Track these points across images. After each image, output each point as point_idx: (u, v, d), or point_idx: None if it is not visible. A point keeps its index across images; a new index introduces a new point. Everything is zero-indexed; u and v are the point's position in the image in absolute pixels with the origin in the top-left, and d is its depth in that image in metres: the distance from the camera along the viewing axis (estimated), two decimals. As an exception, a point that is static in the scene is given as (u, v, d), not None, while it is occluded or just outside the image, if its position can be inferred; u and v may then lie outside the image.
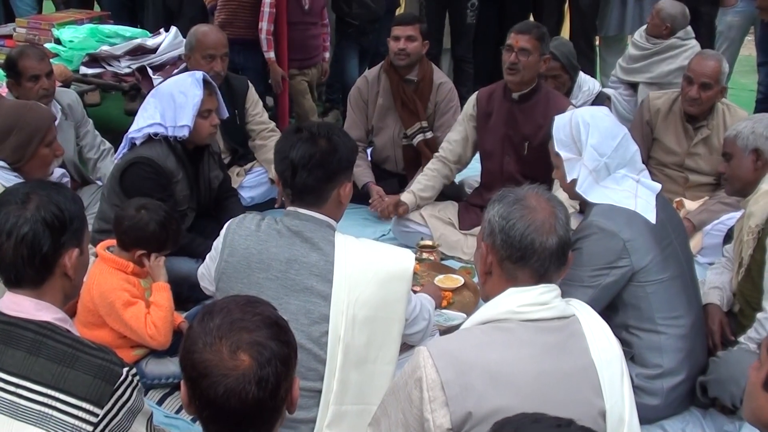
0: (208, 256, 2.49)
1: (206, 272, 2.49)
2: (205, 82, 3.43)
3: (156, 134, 3.39)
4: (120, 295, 2.78)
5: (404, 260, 2.35)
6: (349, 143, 2.40)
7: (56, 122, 3.53)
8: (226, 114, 3.65)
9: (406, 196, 4.27)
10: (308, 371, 2.25)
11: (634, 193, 2.74)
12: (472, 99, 4.25)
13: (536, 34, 3.93)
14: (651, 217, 2.72)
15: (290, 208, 2.38)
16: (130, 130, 3.45)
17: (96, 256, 2.89)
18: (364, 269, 2.28)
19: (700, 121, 4.20)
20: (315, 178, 2.31)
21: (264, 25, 5.27)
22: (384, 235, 4.39)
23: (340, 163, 2.34)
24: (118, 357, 1.82)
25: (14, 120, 3.06)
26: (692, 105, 4.12)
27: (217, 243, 2.40)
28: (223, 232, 2.39)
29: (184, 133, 3.37)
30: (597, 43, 6.70)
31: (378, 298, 2.28)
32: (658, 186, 2.84)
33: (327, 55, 5.73)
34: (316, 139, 2.32)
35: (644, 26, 5.40)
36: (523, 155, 4.09)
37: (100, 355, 1.79)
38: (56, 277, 1.87)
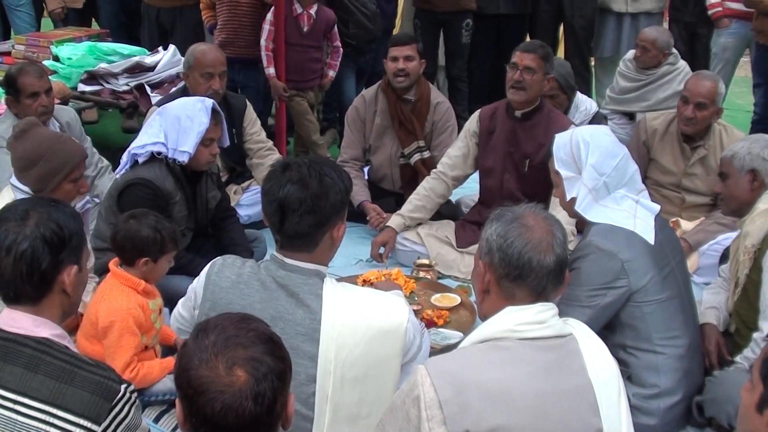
0: (181, 304, 2.39)
1: (182, 321, 2.41)
2: (214, 111, 3.44)
3: (159, 153, 3.40)
4: (125, 319, 2.75)
5: (397, 314, 2.20)
6: (342, 182, 2.22)
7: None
8: (227, 143, 3.66)
9: (394, 220, 4.26)
10: (295, 429, 2.18)
11: (633, 214, 2.75)
12: (475, 116, 4.28)
13: (541, 53, 3.97)
14: (650, 237, 2.73)
15: (276, 254, 2.24)
16: (134, 145, 3.45)
17: (100, 273, 2.88)
18: (353, 327, 2.14)
19: (696, 141, 4.22)
20: (306, 224, 2.16)
21: (264, 42, 5.32)
22: (380, 253, 4.39)
23: (333, 208, 2.18)
24: (116, 374, 1.83)
25: (44, 150, 3.02)
26: (688, 124, 4.15)
27: (197, 290, 2.28)
28: (202, 280, 2.26)
29: (184, 158, 3.38)
30: (592, 63, 6.76)
31: (369, 357, 2.15)
32: (657, 207, 2.85)
33: (332, 73, 5.71)
34: (306, 181, 2.15)
35: (629, 57, 5.43)
36: (524, 173, 4.12)
37: (98, 371, 1.80)
38: (55, 293, 1.88)
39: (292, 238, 2.19)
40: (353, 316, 2.17)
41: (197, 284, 2.30)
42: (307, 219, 2.16)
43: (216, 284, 2.23)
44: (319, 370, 2.13)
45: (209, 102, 3.45)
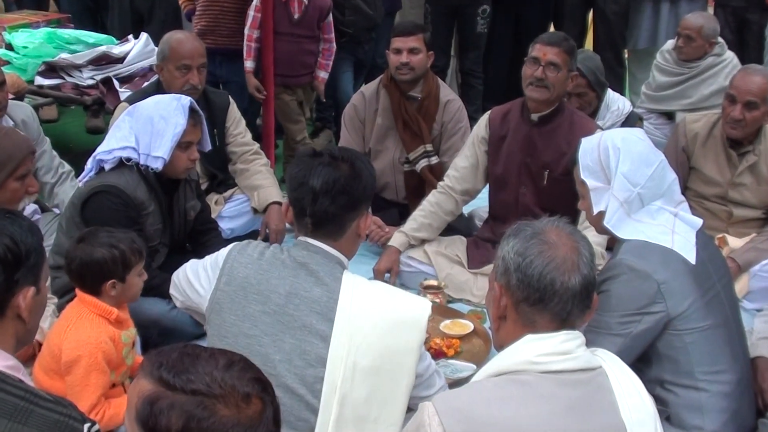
0: (194, 272, 2.54)
1: (189, 290, 2.54)
2: (192, 110, 3.45)
3: (129, 159, 3.41)
4: (93, 354, 2.75)
5: (418, 307, 2.41)
6: (371, 170, 2.53)
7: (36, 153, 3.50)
8: (208, 146, 3.68)
9: (396, 238, 4.27)
10: (298, 421, 2.27)
11: (671, 229, 2.75)
12: (484, 119, 4.26)
13: (566, 47, 3.95)
14: (690, 256, 2.72)
15: (301, 238, 2.47)
16: (99, 149, 3.46)
17: (60, 294, 2.88)
18: (370, 312, 2.33)
19: (745, 146, 4.21)
20: (338, 205, 2.41)
21: (247, 30, 5.34)
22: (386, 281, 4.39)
23: (365, 191, 2.46)
24: (78, 411, 1.82)
25: None
26: (735, 127, 4.13)
27: (213, 266, 2.47)
28: (222, 257, 2.47)
29: (158, 165, 3.40)
30: (626, 56, 6.78)
31: (383, 345, 2.31)
32: (698, 221, 2.85)
33: (323, 74, 5.71)
34: (338, 163, 2.43)
35: (667, 48, 5.44)
36: (542, 186, 4.10)
37: (57, 408, 1.79)
38: (8, 319, 1.88)
39: (323, 221, 2.42)
40: (372, 301, 2.36)
41: (210, 261, 2.49)
42: (340, 199, 2.41)
43: (236, 260, 2.44)
44: (331, 352, 2.28)
45: (186, 100, 3.46)
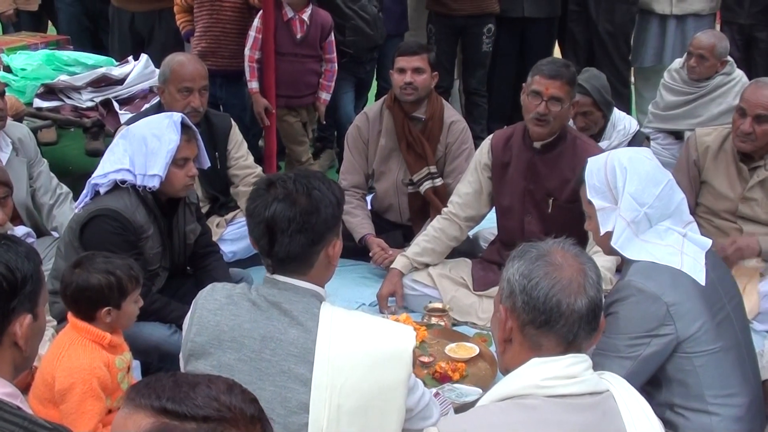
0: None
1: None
2: (184, 125, 3.46)
3: (124, 181, 3.41)
4: (87, 380, 2.74)
5: (402, 338, 2.29)
6: (333, 194, 2.37)
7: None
8: (207, 163, 3.68)
9: (399, 261, 4.28)
10: None
11: (680, 249, 2.75)
12: (486, 145, 4.26)
13: (568, 77, 3.92)
14: (700, 277, 2.72)
15: (268, 275, 2.36)
16: (95, 174, 3.47)
17: (60, 319, 2.87)
18: (351, 350, 2.23)
19: (756, 160, 4.18)
20: (298, 244, 2.29)
21: (248, 52, 5.37)
22: (390, 305, 4.37)
23: (326, 223, 2.32)
24: (77, 438, 1.83)
25: None
26: (745, 141, 4.11)
27: (186, 318, 2.39)
28: (192, 307, 2.37)
29: (155, 183, 3.40)
30: (631, 75, 6.79)
31: (369, 384, 2.22)
32: (708, 241, 2.85)
33: (325, 96, 5.70)
34: (293, 197, 2.29)
35: (675, 67, 5.45)
36: (547, 214, 4.11)
37: (56, 436, 1.80)
38: (5, 347, 1.88)
39: (284, 261, 2.31)
40: (352, 338, 2.25)
41: (188, 314, 2.39)
42: (298, 238, 2.28)
43: (203, 307, 2.34)
44: (313, 396, 2.19)
45: (178, 116, 3.47)
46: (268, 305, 2.30)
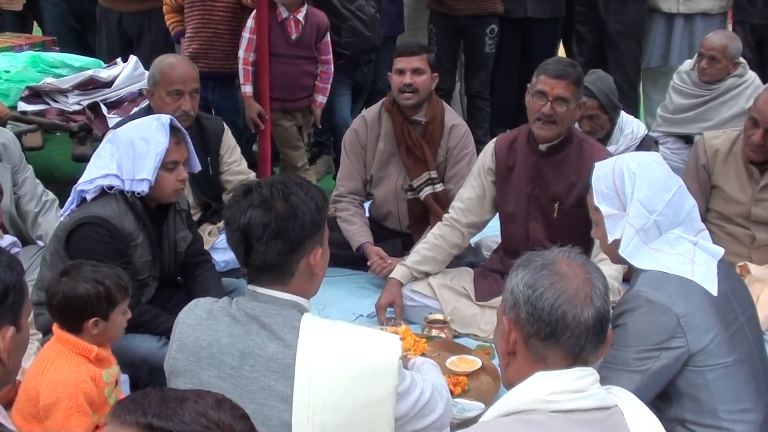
0: None
1: None
2: (173, 128, 3.46)
3: (111, 187, 3.41)
4: (73, 395, 2.72)
5: (386, 349, 2.27)
6: (313, 199, 2.35)
7: None
8: (198, 167, 3.68)
9: (398, 270, 4.27)
10: None
11: (691, 258, 2.75)
12: (489, 149, 4.27)
13: (574, 77, 3.91)
14: (712, 287, 2.72)
15: (249, 287, 2.36)
16: (80, 180, 3.47)
17: (45, 331, 2.86)
18: (332, 364, 2.22)
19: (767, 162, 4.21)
20: (274, 252, 2.28)
21: (242, 54, 5.37)
22: (389, 317, 4.37)
23: (303, 229, 2.30)
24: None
25: None
26: (756, 151, 4.13)
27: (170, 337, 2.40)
28: (175, 322, 2.39)
29: (143, 188, 3.39)
30: (640, 78, 6.79)
31: (353, 399, 2.21)
32: (720, 250, 2.85)
33: (321, 99, 5.69)
34: (269, 203, 2.28)
35: (685, 69, 5.46)
36: (552, 219, 4.11)
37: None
38: (-15, 361, 1.87)
39: (261, 270, 2.31)
40: (334, 351, 2.24)
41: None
42: (274, 245, 2.27)
43: (184, 323, 2.35)
44: (294, 414, 2.18)
45: (166, 118, 3.47)
46: (247, 319, 2.29)
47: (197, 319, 2.33)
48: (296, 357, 2.22)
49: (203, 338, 2.29)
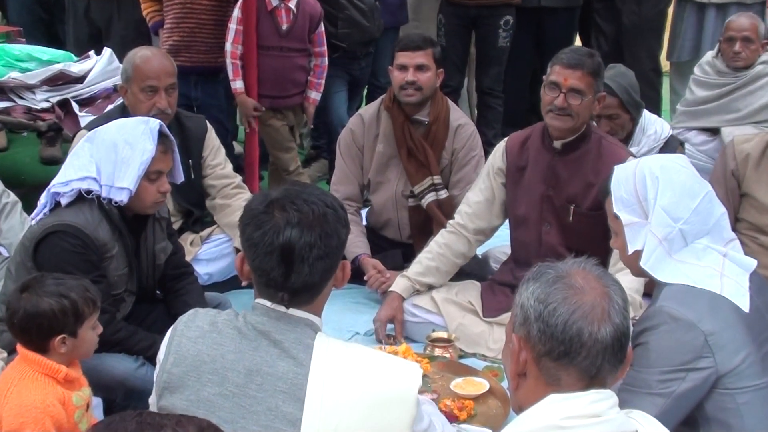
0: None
1: None
2: (162, 134, 3.45)
3: (89, 192, 3.41)
4: (40, 420, 2.71)
5: (406, 378, 2.28)
6: (338, 208, 2.38)
7: None
8: (181, 178, 3.68)
9: (399, 283, 4.28)
10: None
11: (720, 271, 2.75)
12: (500, 148, 4.28)
13: (590, 67, 3.92)
14: (743, 303, 2.72)
15: (258, 301, 2.35)
16: (55, 181, 3.44)
17: (10, 350, 2.86)
18: (347, 389, 2.22)
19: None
20: (319, 272, 2.29)
21: (229, 47, 5.37)
22: (389, 334, 4.37)
23: (342, 245, 2.36)
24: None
25: None
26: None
27: (162, 347, 2.38)
28: (169, 333, 2.38)
29: (122, 198, 3.39)
30: (665, 71, 6.80)
31: (367, 429, 2.22)
32: (752, 262, 2.85)
33: (314, 95, 5.70)
34: (309, 221, 2.27)
35: (706, 60, 5.48)
36: (567, 223, 4.11)
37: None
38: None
39: (300, 292, 2.31)
40: (350, 376, 2.24)
41: (164, 340, 2.38)
42: (319, 266, 2.29)
43: (183, 335, 2.34)
44: None
45: (155, 123, 3.46)
46: (256, 334, 2.29)
47: (199, 331, 2.33)
48: (308, 377, 2.23)
49: (205, 352, 2.29)
